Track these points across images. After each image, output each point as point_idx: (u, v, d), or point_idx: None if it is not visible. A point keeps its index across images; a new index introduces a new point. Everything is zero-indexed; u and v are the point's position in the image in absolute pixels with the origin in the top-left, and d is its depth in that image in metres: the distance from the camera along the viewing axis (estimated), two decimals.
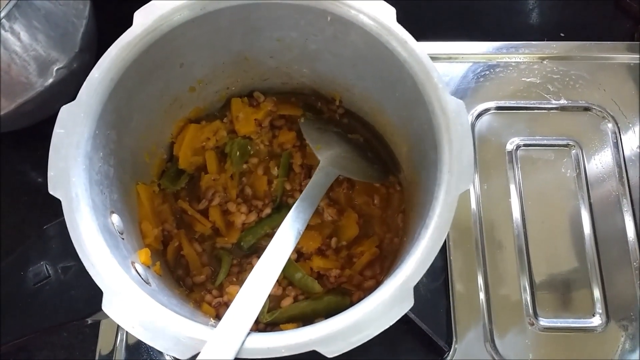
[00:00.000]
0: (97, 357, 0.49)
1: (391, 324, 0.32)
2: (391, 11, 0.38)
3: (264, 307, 0.45)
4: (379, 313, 0.32)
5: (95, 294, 0.32)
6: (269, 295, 0.46)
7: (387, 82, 0.42)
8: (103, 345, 0.50)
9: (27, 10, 0.51)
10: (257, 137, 0.51)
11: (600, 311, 0.51)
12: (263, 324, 0.45)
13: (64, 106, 0.36)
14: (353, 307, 0.32)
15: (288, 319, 0.45)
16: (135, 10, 0.38)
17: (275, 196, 0.50)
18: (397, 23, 0.38)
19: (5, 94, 0.53)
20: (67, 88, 0.53)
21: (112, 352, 0.50)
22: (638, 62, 0.61)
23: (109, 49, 0.37)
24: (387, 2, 0.39)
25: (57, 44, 0.54)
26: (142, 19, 0.38)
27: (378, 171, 0.50)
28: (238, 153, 0.50)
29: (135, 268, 0.36)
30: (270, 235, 0.49)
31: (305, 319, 0.45)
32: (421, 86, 0.37)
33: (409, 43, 0.37)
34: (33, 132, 0.58)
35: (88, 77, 0.36)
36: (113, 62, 0.37)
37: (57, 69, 0.54)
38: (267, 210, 0.49)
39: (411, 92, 0.38)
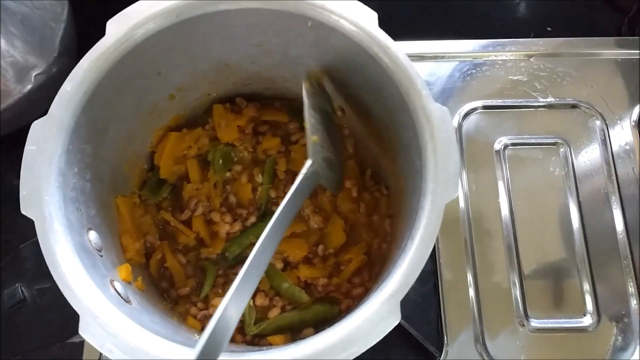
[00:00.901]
0: None
1: (378, 340, 0.31)
2: (373, 16, 0.37)
3: (250, 318, 0.44)
4: (365, 329, 0.31)
5: (73, 316, 0.31)
6: (256, 307, 0.45)
7: (371, 87, 0.41)
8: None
9: (3, 15, 0.50)
10: (241, 144, 0.50)
11: (591, 310, 0.51)
12: (250, 336, 0.45)
13: (35, 121, 0.35)
14: (338, 323, 0.31)
15: (275, 330, 0.44)
16: (115, 13, 0.37)
17: (260, 204, 0.49)
18: (379, 28, 0.37)
19: None
20: (47, 94, 0.52)
21: None
22: (626, 57, 0.60)
23: (80, 61, 0.36)
24: (373, 1, 0.38)
25: (35, 49, 0.53)
26: (115, 28, 0.36)
27: (335, 182, 0.47)
28: (221, 161, 0.49)
29: (114, 287, 0.35)
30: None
31: (293, 330, 0.45)
32: (405, 93, 0.36)
33: (392, 49, 0.36)
34: (13, 139, 0.57)
35: (60, 91, 0.35)
36: (85, 74, 0.35)
37: (36, 75, 0.53)
38: (252, 219, 0.48)
39: (395, 99, 0.37)
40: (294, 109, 0.52)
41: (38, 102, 0.53)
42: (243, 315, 0.45)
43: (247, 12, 0.39)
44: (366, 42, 0.37)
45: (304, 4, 0.37)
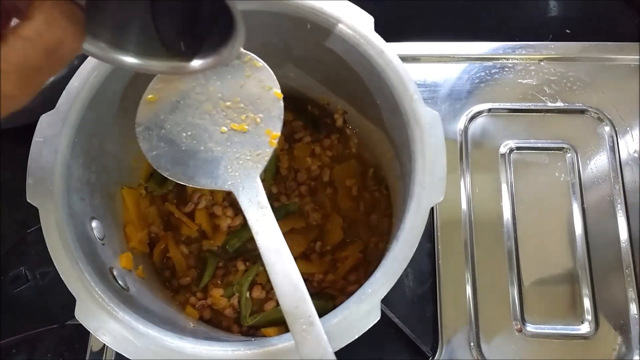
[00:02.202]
0: (88, 354, 0.50)
1: (357, 336, 0.32)
2: (369, 20, 0.38)
3: (246, 310, 0.46)
4: (344, 326, 0.32)
5: (72, 300, 0.33)
6: (252, 299, 0.47)
7: (368, 90, 0.42)
8: (94, 343, 0.51)
9: None
10: None
11: (590, 318, 0.50)
12: (246, 327, 0.46)
13: (43, 115, 0.37)
14: (321, 319, 0.32)
15: (270, 323, 0.46)
16: None
17: None
18: (374, 32, 0.38)
19: None
20: None
21: (102, 349, 0.51)
22: (638, 63, 0.59)
23: (88, 58, 0.38)
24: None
25: None
26: None
27: None
28: None
29: (112, 274, 0.37)
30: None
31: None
32: (397, 96, 0.37)
33: (386, 53, 0.37)
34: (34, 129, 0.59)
35: (67, 86, 0.37)
36: (92, 71, 0.37)
37: None
38: None
39: (389, 102, 0.38)
40: (299, 108, 0.53)
41: (60, 93, 0.56)
42: (239, 306, 0.46)
43: (250, 13, 0.40)
44: (362, 45, 0.38)
45: (303, 7, 0.38)
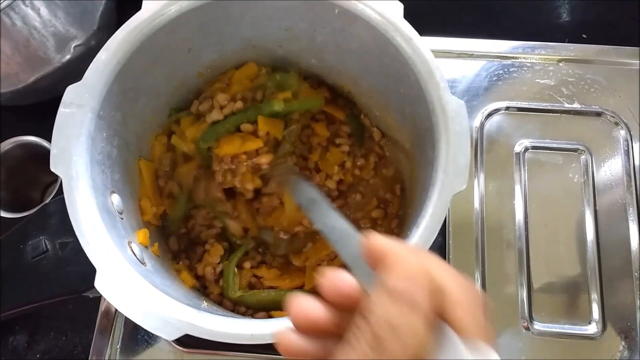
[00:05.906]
0: (95, 330, 0.51)
1: None
2: (398, 7, 0.38)
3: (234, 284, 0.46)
4: None
5: (90, 271, 0.33)
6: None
7: (392, 77, 0.42)
8: (101, 321, 0.51)
9: None
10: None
11: (597, 319, 0.50)
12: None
13: (69, 86, 0.37)
14: None
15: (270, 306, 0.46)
16: None
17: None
18: (403, 19, 0.38)
19: (23, 68, 0.54)
20: (85, 65, 0.54)
21: (110, 328, 0.51)
22: None
23: (116, 32, 0.38)
24: None
25: (76, 21, 0.55)
26: (150, 3, 0.38)
27: None
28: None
29: (131, 248, 0.37)
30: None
31: None
32: (423, 84, 0.37)
33: (414, 40, 0.37)
34: (49, 106, 0.59)
35: (95, 59, 0.37)
36: (120, 45, 0.37)
37: (75, 46, 0.55)
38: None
39: (414, 90, 0.38)
40: (354, 114, 0.52)
41: (75, 73, 0.55)
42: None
43: None
44: (390, 32, 0.38)
45: None
